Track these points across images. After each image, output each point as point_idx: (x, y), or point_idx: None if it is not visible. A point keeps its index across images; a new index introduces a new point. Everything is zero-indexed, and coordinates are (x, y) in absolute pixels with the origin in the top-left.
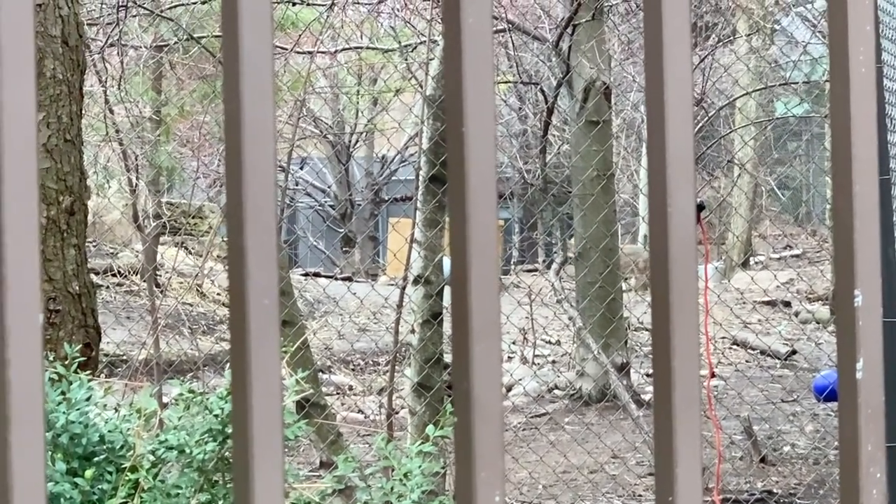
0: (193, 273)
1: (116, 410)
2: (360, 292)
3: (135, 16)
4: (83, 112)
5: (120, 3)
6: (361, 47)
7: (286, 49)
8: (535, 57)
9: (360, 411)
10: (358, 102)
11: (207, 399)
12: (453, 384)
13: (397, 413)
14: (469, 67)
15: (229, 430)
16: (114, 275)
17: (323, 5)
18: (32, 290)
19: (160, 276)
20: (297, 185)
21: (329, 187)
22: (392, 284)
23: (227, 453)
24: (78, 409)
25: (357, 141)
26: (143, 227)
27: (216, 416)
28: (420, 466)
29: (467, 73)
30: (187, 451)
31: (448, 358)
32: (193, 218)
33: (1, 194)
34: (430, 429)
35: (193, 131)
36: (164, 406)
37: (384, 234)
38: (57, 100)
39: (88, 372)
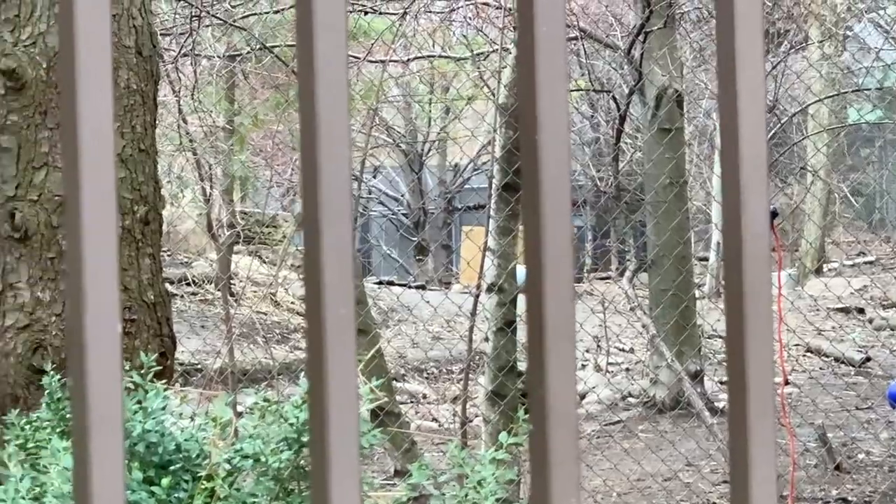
0: (267, 282)
1: (192, 419)
2: (434, 300)
3: (208, 25)
4: (157, 122)
5: (193, 14)
6: (434, 56)
7: (358, 58)
8: (607, 65)
9: (433, 419)
10: (430, 111)
11: (282, 408)
12: (528, 392)
13: (471, 421)
14: (542, 75)
15: (304, 439)
16: (188, 284)
17: (395, 14)
18: (111, 300)
19: (234, 285)
20: (370, 194)
21: (402, 196)
22: (465, 293)
23: (302, 462)
24: (154, 419)
25: (430, 149)
26: (218, 237)
27: (291, 424)
28: (494, 474)
29: (540, 81)
30: (263, 459)
31: (522, 366)
32: (267, 227)
33: (80, 205)
34: (503, 436)
35: (267, 140)
36: (238, 415)
37: (457, 242)
38: (131, 110)
39: (164, 381)
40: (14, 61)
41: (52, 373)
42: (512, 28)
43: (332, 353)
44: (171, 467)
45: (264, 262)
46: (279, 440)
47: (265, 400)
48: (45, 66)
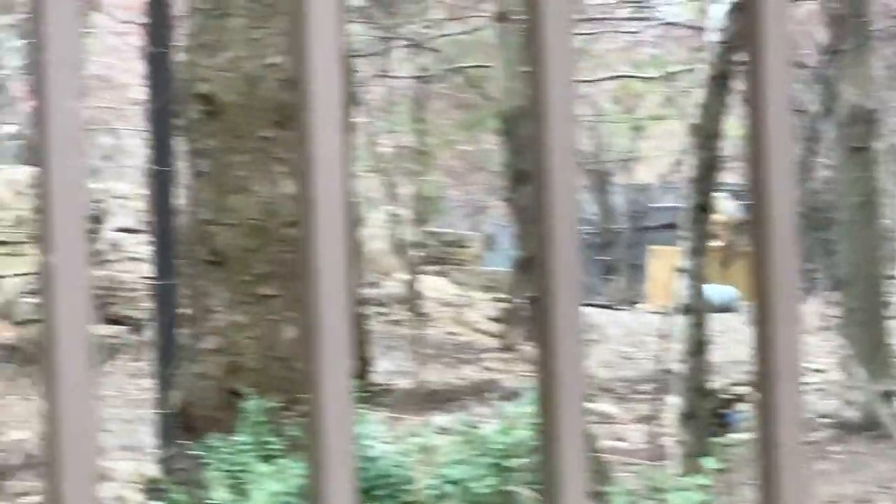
0: (456, 302)
1: (392, 443)
2: (623, 320)
3: (398, 47)
4: (350, 144)
5: (384, 36)
6: (624, 76)
7: None
8: (798, 83)
9: (624, 440)
10: (619, 131)
11: (485, 432)
12: (757, 419)
13: (662, 442)
14: (771, 107)
15: (508, 464)
16: (378, 305)
17: (586, 34)
18: (342, 335)
19: (423, 305)
20: None
21: (590, 215)
22: (655, 312)
23: (506, 487)
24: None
25: (618, 169)
26: (407, 257)
27: (496, 450)
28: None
29: (769, 112)
30: (469, 485)
31: (713, 386)
32: (456, 247)
33: (315, 236)
34: (707, 461)
35: (456, 161)
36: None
37: (645, 261)
38: None
39: (362, 405)
40: (210, 86)
41: (250, 396)
42: (704, 49)
43: (562, 375)
44: (376, 492)
45: (453, 283)
46: (483, 465)
47: (468, 425)
48: (241, 90)
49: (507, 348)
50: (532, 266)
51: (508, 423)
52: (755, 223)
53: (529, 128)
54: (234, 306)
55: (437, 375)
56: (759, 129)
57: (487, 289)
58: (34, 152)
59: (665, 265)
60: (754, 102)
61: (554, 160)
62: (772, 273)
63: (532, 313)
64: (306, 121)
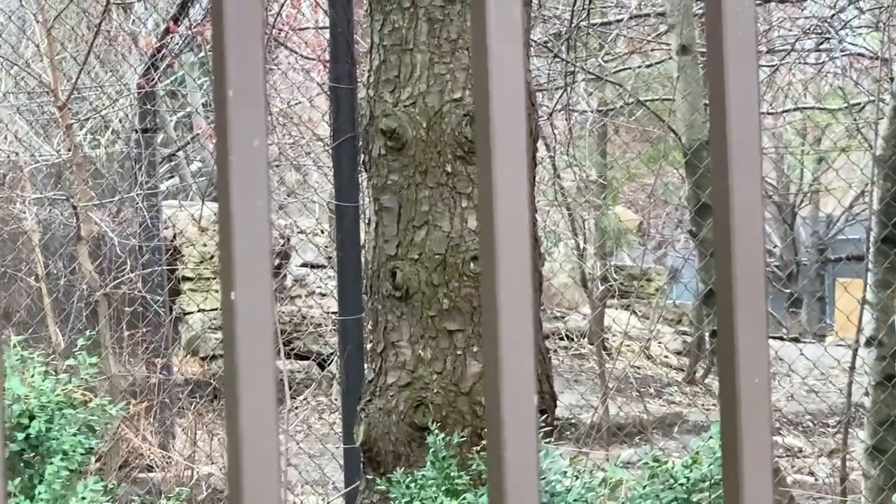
0: (641, 336)
1: (577, 477)
2: (808, 353)
3: (582, 80)
4: (535, 178)
5: (567, 70)
6: (808, 107)
7: None
8: None
9: (811, 473)
10: (803, 162)
11: (672, 468)
12: None
13: (850, 477)
14: None
15: (694, 498)
16: (561, 338)
17: (769, 65)
18: (527, 369)
19: (608, 339)
20: None
21: (774, 247)
22: (840, 345)
23: None
24: (543, 479)
25: (802, 200)
26: (591, 291)
27: (681, 485)
28: None
29: None
30: None
31: None
32: (640, 280)
33: (496, 271)
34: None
35: (638, 193)
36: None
37: (831, 294)
38: None
39: (547, 439)
40: (395, 121)
41: (434, 431)
42: (889, 79)
43: (746, 413)
44: None
45: (637, 316)
46: (669, 501)
47: (655, 460)
48: (424, 125)
49: (691, 381)
50: (715, 299)
51: (694, 457)
52: None
53: (714, 160)
54: (418, 341)
55: (622, 409)
56: None
57: (671, 322)
58: (218, 188)
59: (852, 298)
60: None
61: (739, 191)
62: None
63: (717, 346)
64: (488, 154)
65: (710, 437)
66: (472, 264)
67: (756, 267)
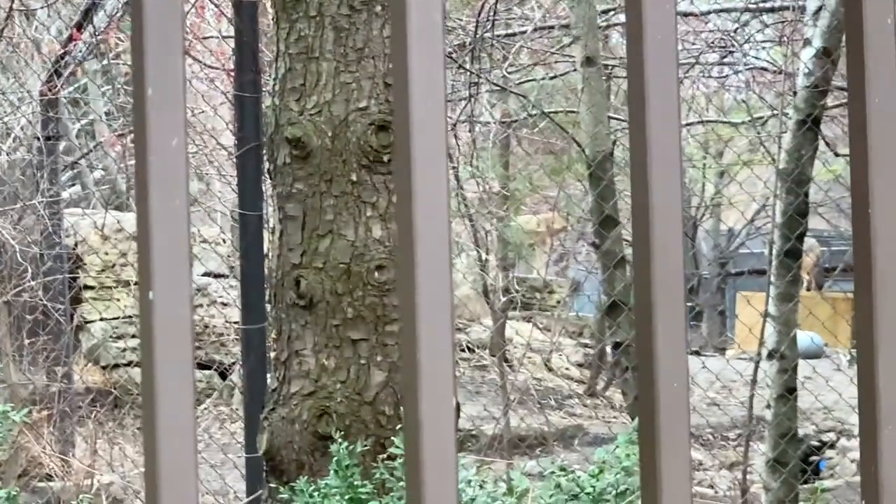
0: (542, 348)
1: (482, 487)
2: (710, 366)
3: (486, 91)
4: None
5: (471, 80)
6: (711, 121)
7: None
8: None
9: (711, 486)
10: (705, 175)
11: (578, 478)
12: (861, 467)
13: (751, 489)
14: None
15: None
16: (463, 350)
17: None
18: (446, 375)
19: (509, 351)
20: None
21: None
22: (742, 358)
23: None
24: None
25: (704, 213)
26: (493, 302)
27: (588, 494)
28: None
29: None
30: None
31: (802, 432)
32: (542, 292)
33: (415, 282)
34: None
35: (540, 205)
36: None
37: (732, 307)
38: None
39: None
40: (300, 130)
41: (338, 440)
42: (792, 93)
43: (665, 422)
44: None
45: (539, 328)
46: None
47: (561, 469)
48: (330, 134)
49: (592, 394)
50: (618, 311)
51: (600, 467)
52: (859, 270)
53: (634, 169)
54: (322, 350)
55: (524, 421)
56: (863, 174)
57: (573, 334)
58: (136, 188)
59: (754, 311)
60: (856, 143)
61: (659, 198)
62: (876, 319)
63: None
64: (407, 163)
65: (616, 447)
66: (376, 273)
67: (675, 271)
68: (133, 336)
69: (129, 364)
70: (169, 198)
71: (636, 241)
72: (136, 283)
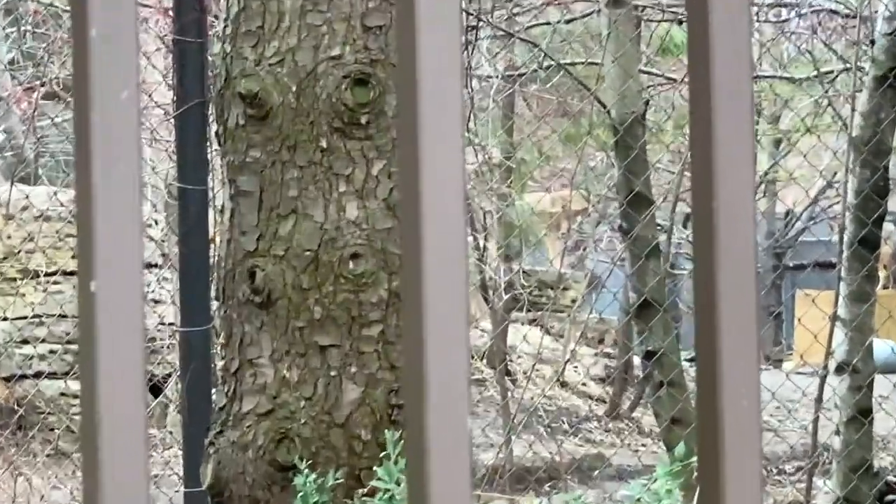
0: (555, 358)
1: None
2: (764, 381)
3: (486, 37)
4: None
5: (468, 24)
6: (766, 76)
7: (674, 80)
8: None
9: None
10: (758, 143)
11: None
12: None
13: None
14: None
15: None
16: None
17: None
18: (461, 387)
19: (512, 361)
20: (679, 248)
21: None
22: (803, 372)
23: None
24: None
25: (756, 192)
26: (493, 301)
27: None
28: None
29: None
30: None
31: (879, 464)
32: (555, 289)
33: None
34: None
35: (553, 180)
36: None
37: (790, 309)
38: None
39: None
40: (256, 83)
41: (303, 470)
42: (868, 43)
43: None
44: None
45: (550, 334)
46: None
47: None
48: (294, 89)
49: (615, 416)
50: (649, 312)
51: None
52: None
53: (694, 138)
54: (282, 358)
55: (531, 449)
56: None
57: (592, 341)
58: (77, 151)
59: (818, 313)
60: None
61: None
62: None
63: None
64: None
65: (655, 480)
66: (350, 263)
67: (746, 260)
68: (43, 341)
69: (37, 375)
70: (117, 165)
71: (698, 223)
72: (47, 275)
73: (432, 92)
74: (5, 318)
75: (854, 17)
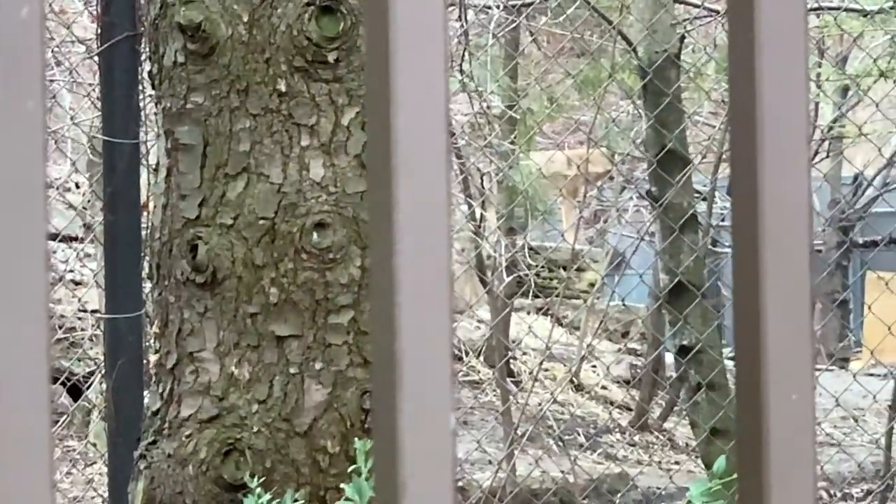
0: (568, 355)
1: None
2: (826, 384)
3: None
4: None
5: None
6: (832, 8)
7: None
8: None
9: None
10: (821, 91)
11: None
12: None
13: None
14: None
15: None
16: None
17: None
18: (444, 382)
19: (516, 359)
20: (721, 220)
21: None
22: (873, 374)
23: None
24: None
25: (817, 152)
26: (492, 284)
27: None
28: None
29: None
30: None
31: None
32: (565, 269)
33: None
34: None
35: (567, 136)
36: None
37: (859, 295)
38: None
39: None
40: (199, 11)
41: (255, 490)
42: None
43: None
44: None
45: (562, 325)
46: None
47: None
48: (245, 19)
49: (642, 426)
50: (685, 298)
51: None
52: None
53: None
54: (230, 352)
55: (539, 466)
56: None
57: (614, 334)
58: None
59: (892, 300)
60: None
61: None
62: None
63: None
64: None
65: (689, 503)
66: (315, 235)
67: (798, 235)
68: None
69: None
70: (15, 98)
71: (737, 187)
72: None
73: (407, 17)
74: None
75: None
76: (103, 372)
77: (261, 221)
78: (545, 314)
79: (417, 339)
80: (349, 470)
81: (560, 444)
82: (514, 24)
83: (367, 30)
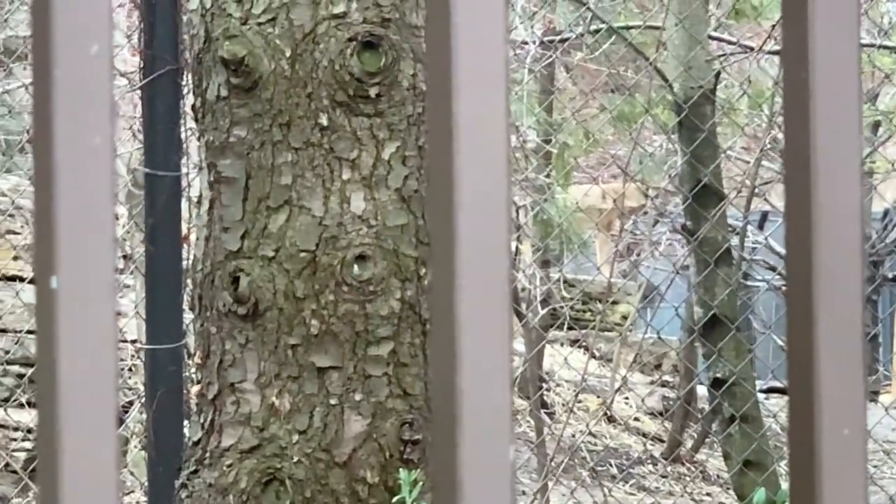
0: (601, 387)
1: None
2: None
3: None
4: None
5: None
6: (865, 45)
7: (751, 49)
8: None
9: None
10: None
11: None
12: None
13: None
14: None
15: None
16: None
17: None
18: (504, 414)
19: (549, 391)
20: (752, 254)
21: None
22: None
23: None
24: None
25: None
26: (527, 317)
27: None
28: None
29: None
30: None
31: None
32: (599, 302)
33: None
34: None
35: (601, 170)
36: None
37: (889, 329)
38: (418, 122)
39: None
40: (243, 46)
41: None
42: None
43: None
44: None
45: (595, 357)
46: None
47: None
48: (288, 54)
49: (675, 458)
50: (719, 331)
51: None
52: None
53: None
54: (271, 383)
55: (572, 496)
56: None
57: (647, 366)
58: (34, 118)
59: None
60: None
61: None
62: None
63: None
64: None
65: None
66: (355, 267)
67: (852, 262)
68: None
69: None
70: (85, 134)
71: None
72: None
73: (470, 59)
74: None
75: None
76: (142, 401)
77: (302, 254)
78: (579, 346)
79: (477, 373)
80: (392, 501)
81: (593, 475)
82: (549, 60)
83: (428, 68)
